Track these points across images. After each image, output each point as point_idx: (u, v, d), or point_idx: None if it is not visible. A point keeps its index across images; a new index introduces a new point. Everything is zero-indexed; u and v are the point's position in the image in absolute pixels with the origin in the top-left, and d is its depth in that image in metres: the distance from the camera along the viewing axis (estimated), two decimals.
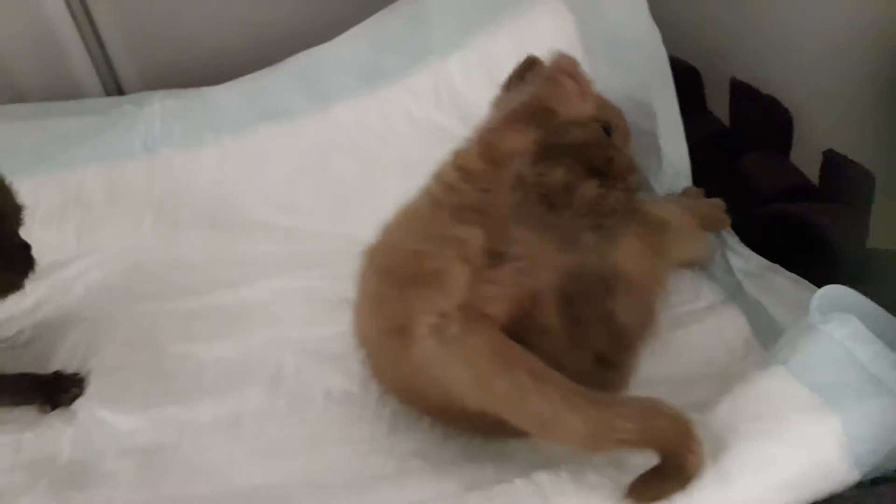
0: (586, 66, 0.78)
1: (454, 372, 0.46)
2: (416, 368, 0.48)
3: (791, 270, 0.63)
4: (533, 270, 0.49)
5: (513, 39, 0.83)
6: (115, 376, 0.66)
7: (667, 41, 0.85)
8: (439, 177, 0.60)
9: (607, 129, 0.62)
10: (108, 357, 0.68)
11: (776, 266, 0.63)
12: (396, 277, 0.52)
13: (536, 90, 0.61)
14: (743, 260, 0.64)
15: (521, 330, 0.47)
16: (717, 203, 0.68)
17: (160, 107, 1.00)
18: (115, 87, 1.21)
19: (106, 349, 0.69)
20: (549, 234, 0.52)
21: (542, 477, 0.46)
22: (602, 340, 0.50)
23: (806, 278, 0.62)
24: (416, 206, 0.60)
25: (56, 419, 0.62)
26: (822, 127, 0.74)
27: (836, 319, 0.48)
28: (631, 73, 0.78)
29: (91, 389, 0.65)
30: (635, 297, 0.52)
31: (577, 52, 0.79)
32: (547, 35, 0.82)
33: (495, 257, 0.49)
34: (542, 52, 0.80)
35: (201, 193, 0.92)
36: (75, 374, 0.67)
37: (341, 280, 0.74)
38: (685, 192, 0.73)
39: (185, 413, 0.61)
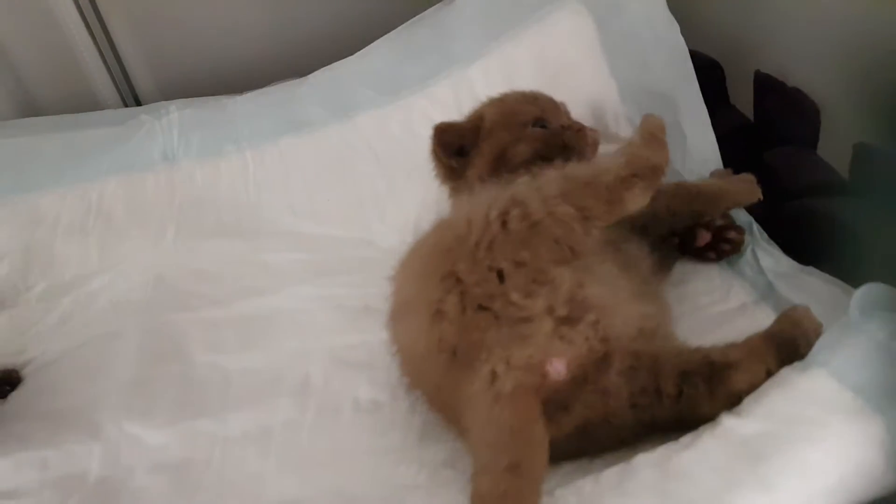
0: (606, 65, 0.81)
1: (476, 415, 0.46)
2: (457, 392, 0.48)
3: (821, 268, 0.62)
4: (609, 326, 0.49)
5: (533, 44, 0.84)
6: (142, 389, 0.66)
7: (688, 35, 0.84)
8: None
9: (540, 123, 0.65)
10: (134, 370, 0.69)
11: (809, 268, 0.61)
12: (471, 298, 0.50)
13: None
14: (773, 260, 0.63)
15: (579, 385, 0.48)
16: (748, 177, 0.66)
17: (178, 116, 1.01)
18: (132, 98, 1.22)
19: (132, 362, 0.70)
20: (623, 269, 0.54)
21: (585, 485, 0.45)
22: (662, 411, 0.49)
23: (838, 276, 0.60)
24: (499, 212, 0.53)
25: (83, 435, 0.62)
26: (850, 119, 0.72)
27: (877, 319, 0.47)
28: (652, 68, 0.79)
29: (118, 403, 0.65)
30: None
31: (596, 52, 0.81)
32: (566, 37, 0.83)
33: (576, 308, 0.48)
34: (562, 53, 0.81)
35: (223, 203, 0.93)
36: (12, 371, 0.69)
37: (365, 287, 0.74)
38: (713, 174, 0.73)
39: (214, 426, 0.61)
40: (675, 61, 0.78)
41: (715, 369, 0.48)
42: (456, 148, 0.67)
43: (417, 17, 0.97)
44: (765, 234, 0.65)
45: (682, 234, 0.66)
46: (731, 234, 0.65)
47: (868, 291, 0.48)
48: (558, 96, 0.71)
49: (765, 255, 0.63)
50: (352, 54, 1.08)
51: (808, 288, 0.59)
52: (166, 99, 1.09)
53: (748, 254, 0.65)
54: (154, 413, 0.64)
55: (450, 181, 0.69)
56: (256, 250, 0.85)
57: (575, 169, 0.53)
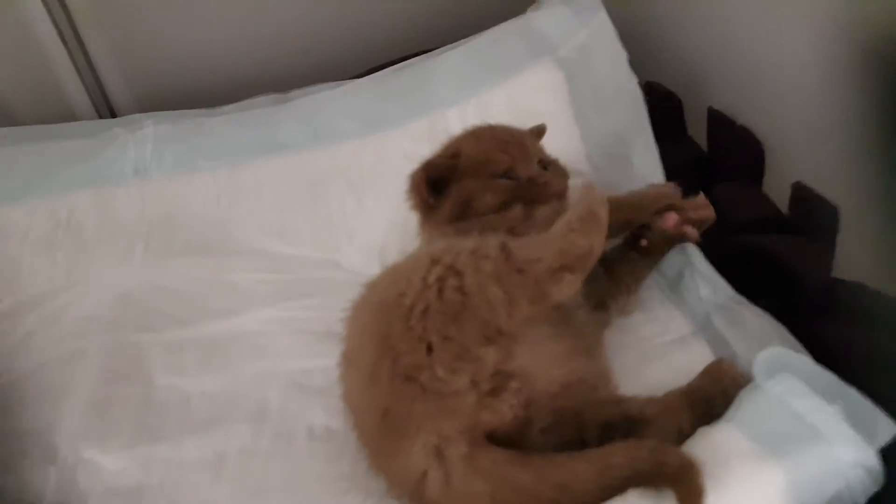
0: (572, 113, 0.88)
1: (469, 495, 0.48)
2: (411, 472, 0.50)
3: (758, 300, 0.65)
4: (531, 391, 0.51)
5: (508, 92, 0.91)
6: (101, 411, 0.67)
7: (649, 67, 0.87)
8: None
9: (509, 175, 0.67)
10: (95, 391, 0.70)
11: (742, 298, 0.64)
12: (401, 367, 0.51)
13: None
14: (712, 289, 0.66)
15: (515, 434, 0.50)
16: (700, 201, 0.68)
17: (152, 131, 1.01)
18: (107, 110, 1.22)
19: (93, 383, 0.70)
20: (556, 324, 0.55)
21: None
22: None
23: (772, 309, 0.63)
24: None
25: (40, 458, 0.63)
26: (795, 157, 0.75)
27: (776, 377, 0.51)
28: (612, 113, 0.86)
29: (76, 426, 0.66)
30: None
31: (563, 102, 0.90)
32: (538, 89, 0.91)
33: (501, 379, 0.50)
34: (533, 102, 0.89)
35: (193, 220, 0.93)
36: None
37: (327, 311, 0.74)
38: (650, 186, 0.74)
39: (170, 452, 0.63)
40: (632, 108, 0.84)
41: (631, 423, 0.51)
42: (435, 184, 0.69)
43: (402, 63, 1.03)
44: (705, 263, 0.68)
45: (628, 242, 0.69)
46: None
47: (769, 355, 0.53)
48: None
49: (704, 284, 0.66)
50: (332, 71, 1.10)
51: (741, 322, 0.62)
52: (142, 111, 1.09)
53: (690, 283, 0.68)
54: (112, 437, 0.65)
55: (423, 215, 0.72)
56: (224, 270, 0.86)
57: (516, 247, 0.53)
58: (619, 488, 0.47)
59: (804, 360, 0.53)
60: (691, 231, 0.66)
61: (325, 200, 0.93)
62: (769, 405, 0.50)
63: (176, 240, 0.92)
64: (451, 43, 1.09)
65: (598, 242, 0.51)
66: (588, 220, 0.52)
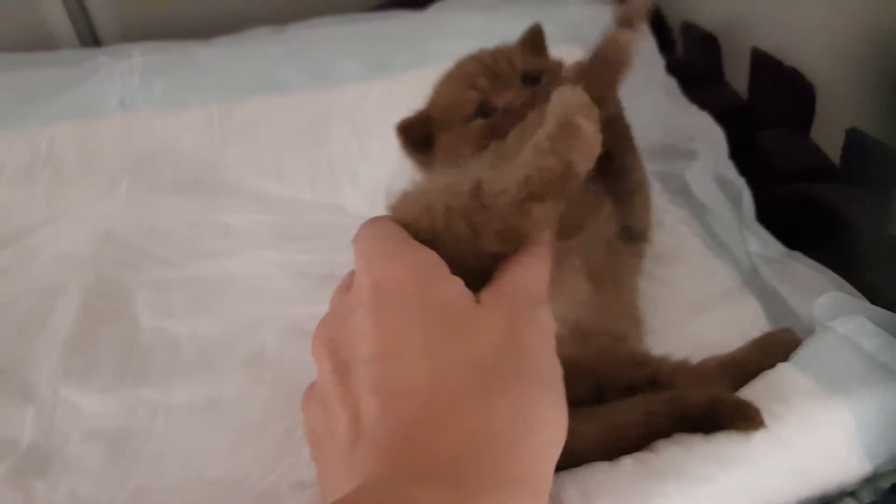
0: None
1: None
2: None
3: (810, 253, 0.59)
4: None
5: None
6: (82, 352, 0.61)
7: (684, 6, 0.81)
8: None
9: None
10: (75, 329, 0.63)
11: (796, 253, 0.59)
12: None
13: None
14: (761, 243, 0.60)
15: None
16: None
17: (140, 61, 0.95)
18: (90, 38, 1.14)
19: (73, 321, 0.64)
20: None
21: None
22: None
23: (825, 262, 0.58)
24: None
25: (15, 397, 0.57)
26: (846, 104, 0.69)
27: (839, 319, 0.46)
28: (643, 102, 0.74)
29: (55, 365, 0.59)
30: None
31: None
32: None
33: None
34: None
35: (182, 157, 0.87)
36: None
37: (331, 254, 0.69)
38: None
39: (158, 394, 0.56)
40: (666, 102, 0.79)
41: (659, 389, 0.45)
42: (420, 141, 0.63)
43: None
44: (754, 219, 0.62)
45: None
46: None
47: (831, 299, 0.48)
48: None
49: (752, 238, 0.60)
50: (336, 4, 1.04)
51: (792, 274, 0.56)
52: (128, 40, 1.02)
53: (736, 237, 0.62)
54: (93, 377, 0.59)
55: (421, 169, 0.65)
56: (216, 209, 0.80)
57: (489, 179, 0.40)
58: (667, 433, 0.42)
59: (869, 305, 0.47)
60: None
61: (327, 142, 0.87)
62: (834, 345, 0.44)
63: (164, 177, 0.85)
64: None
65: (579, 158, 0.39)
66: (561, 135, 0.39)
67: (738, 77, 0.81)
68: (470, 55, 0.64)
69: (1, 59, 0.99)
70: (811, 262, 0.57)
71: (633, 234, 0.58)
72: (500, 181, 0.40)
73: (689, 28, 0.84)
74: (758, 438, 0.40)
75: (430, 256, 0.37)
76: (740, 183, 0.64)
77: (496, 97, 0.57)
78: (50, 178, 0.84)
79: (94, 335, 0.63)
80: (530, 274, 0.38)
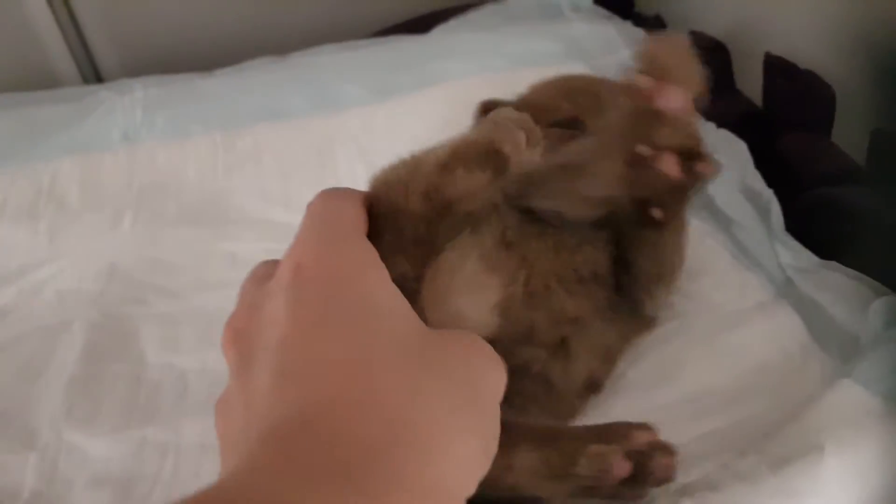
0: None
1: None
2: None
3: (844, 262, 0.56)
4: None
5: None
6: (86, 392, 0.59)
7: (691, 15, 0.79)
8: None
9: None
10: (79, 368, 0.61)
11: (832, 262, 0.56)
12: None
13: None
14: (794, 255, 0.57)
15: None
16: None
17: (142, 94, 0.94)
18: (93, 76, 1.14)
19: (77, 359, 0.62)
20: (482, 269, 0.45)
21: None
22: None
23: (858, 268, 0.55)
24: None
25: (16, 442, 0.54)
26: (866, 104, 0.67)
27: None
28: None
29: (58, 407, 0.57)
30: None
31: None
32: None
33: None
34: None
35: (187, 188, 0.86)
36: None
37: None
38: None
39: (166, 435, 0.54)
40: None
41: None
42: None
43: (413, 36, 1.00)
44: (784, 229, 0.60)
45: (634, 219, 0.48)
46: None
47: (886, 303, 0.45)
48: None
49: (783, 250, 0.58)
50: (336, 34, 1.05)
51: (831, 284, 0.53)
52: (130, 76, 1.02)
53: (767, 249, 0.59)
54: (98, 419, 0.56)
55: None
56: (222, 239, 0.78)
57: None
58: None
59: None
60: (706, 167, 0.44)
61: (333, 167, 0.86)
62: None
63: (168, 208, 0.84)
64: (459, 5, 1.05)
65: (502, 139, 0.39)
66: (497, 126, 0.41)
67: (751, 84, 0.79)
68: (583, 75, 0.63)
69: (3, 98, 0.98)
70: (849, 270, 0.54)
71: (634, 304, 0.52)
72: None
73: (696, 37, 0.82)
74: (830, 468, 0.37)
75: (369, 251, 0.33)
76: (768, 194, 0.61)
77: (590, 120, 0.56)
78: (53, 214, 0.82)
79: (98, 374, 0.61)
80: None
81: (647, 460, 0.39)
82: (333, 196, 0.37)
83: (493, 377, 0.32)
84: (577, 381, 0.48)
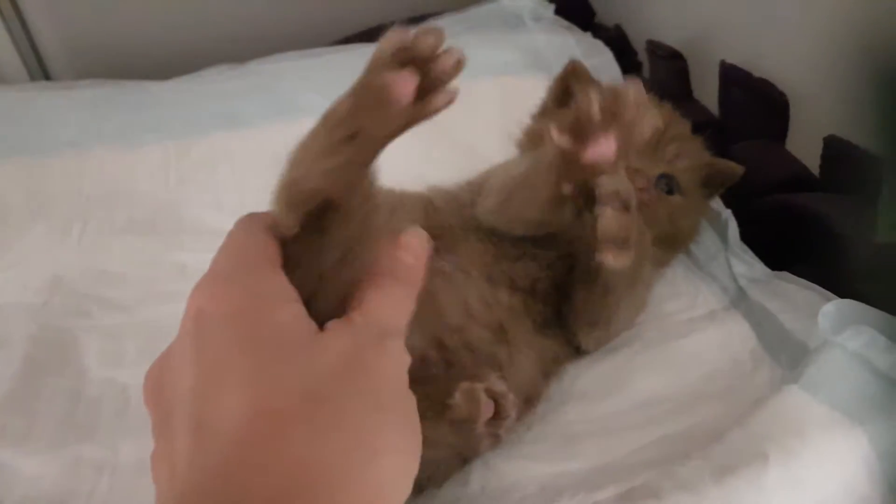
0: None
1: None
2: None
3: (795, 266, 0.57)
4: None
5: (502, 87, 0.84)
6: (21, 407, 0.56)
7: (649, 25, 0.80)
8: None
9: None
10: (15, 384, 0.58)
11: (784, 273, 0.56)
12: None
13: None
14: (747, 266, 0.57)
15: None
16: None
17: (91, 97, 0.91)
18: (42, 76, 1.11)
19: (14, 375, 0.59)
20: None
21: None
22: None
23: (812, 274, 0.55)
24: None
25: None
26: (821, 112, 0.68)
27: (848, 331, 0.43)
28: None
29: None
30: None
31: None
32: (532, 94, 0.72)
33: None
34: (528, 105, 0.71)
35: (137, 198, 0.83)
36: None
37: None
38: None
39: (104, 453, 0.51)
40: None
41: None
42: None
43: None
44: (739, 240, 0.59)
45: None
46: None
47: (837, 307, 0.44)
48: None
49: (737, 261, 0.57)
50: (297, 42, 1.03)
51: (781, 293, 0.53)
52: (80, 77, 0.99)
53: (719, 258, 0.59)
54: (33, 437, 0.53)
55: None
56: (173, 249, 0.76)
57: None
58: None
59: (877, 313, 0.44)
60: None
61: None
62: (844, 363, 0.41)
63: (118, 218, 0.81)
64: (420, 14, 1.04)
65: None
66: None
67: (707, 93, 0.79)
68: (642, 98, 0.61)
69: None
70: (800, 280, 0.54)
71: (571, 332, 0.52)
72: None
73: (654, 46, 0.82)
74: (773, 478, 0.37)
75: (275, 284, 0.32)
76: (726, 214, 0.61)
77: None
78: None
79: (36, 390, 0.58)
80: (388, 304, 0.33)
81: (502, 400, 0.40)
82: (241, 225, 0.36)
83: (410, 399, 0.31)
84: (525, 373, 0.47)
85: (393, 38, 0.30)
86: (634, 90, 0.38)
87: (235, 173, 0.85)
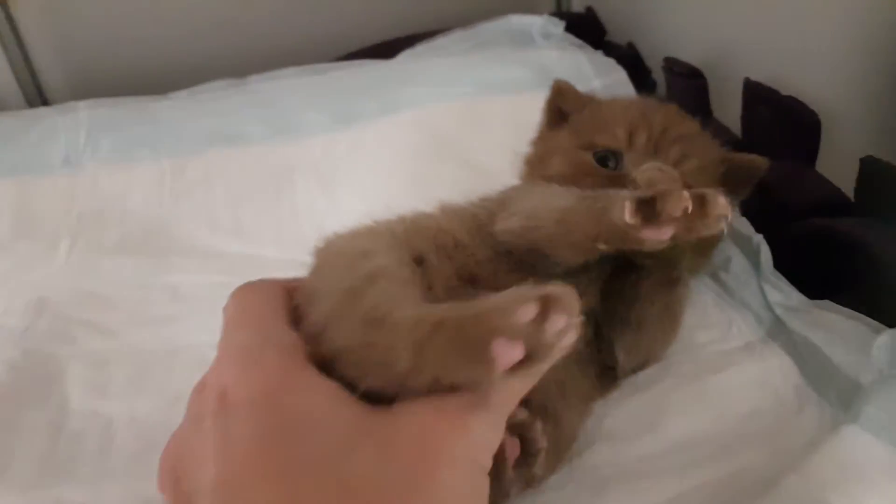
0: None
1: None
2: None
3: (838, 297, 0.52)
4: None
5: (512, 106, 0.80)
6: None
7: (664, 42, 0.77)
8: None
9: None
10: None
11: (825, 301, 0.52)
12: None
13: None
14: (783, 295, 0.53)
15: None
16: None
17: (87, 115, 0.88)
18: (38, 99, 1.08)
19: None
20: None
21: None
22: None
23: (850, 305, 0.51)
24: None
25: None
26: (855, 131, 0.64)
27: None
28: None
29: None
30: None
31: None
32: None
33: None
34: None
35: (130, 216, 0.80)
36: None
37: None
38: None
39: (84, 496, 0.47)
40: None
41: None
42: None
43: (378, 62, 0.97)
44: (771, 266, 0.55)
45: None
46: None
47: (892, 338, 0.41)
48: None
49: (771, 289, 0.53)
50: (297, 58, 1.01)
51: (824, 323, 0.49)
52: (78, 97, 0.96)
53: (753, 287, 0.55)
54: (7, 475, 0.49)
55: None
56: (164, 271, 0.72)
57: None
58: None
59: None
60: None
61: (291, 195, 0.82)
62: None
63: (109, 237, 0.78)
64: (427, 31, 1.01)
65: None
66: None
67: (728, 112, 0.76)
68: (655, 105, 0.56)
69: None
70: (843, 309, 0.50)
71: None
72: None
73: (672, 63, 0.79)
74: None
75: (294, 361, 0.30)
76: (757, 239, 0.56)
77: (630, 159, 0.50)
78: None
79: (13, 422, 0.54)
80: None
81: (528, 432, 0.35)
82: (249, 293, 0.34)
83: (461, 442, 0.28)
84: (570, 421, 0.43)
85: None
86: (723, 202, 0.35)
87: (232, 192, 0.82)
